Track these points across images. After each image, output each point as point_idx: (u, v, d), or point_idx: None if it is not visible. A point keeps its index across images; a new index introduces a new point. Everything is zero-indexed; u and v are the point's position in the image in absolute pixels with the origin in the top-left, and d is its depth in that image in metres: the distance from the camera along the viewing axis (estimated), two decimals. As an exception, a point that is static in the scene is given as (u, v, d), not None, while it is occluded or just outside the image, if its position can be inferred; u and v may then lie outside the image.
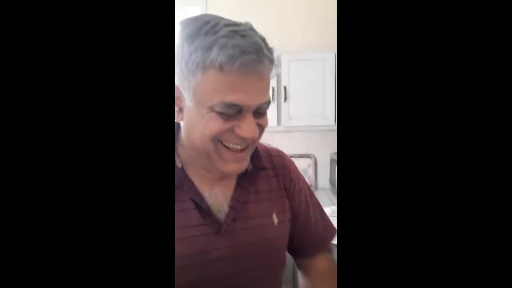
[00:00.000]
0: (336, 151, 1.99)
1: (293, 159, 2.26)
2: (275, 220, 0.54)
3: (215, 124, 0.42)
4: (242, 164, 0.47)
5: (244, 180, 0.53)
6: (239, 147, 0.45)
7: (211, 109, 0.41)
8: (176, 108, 0.46)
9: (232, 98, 0.40)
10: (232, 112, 0.41)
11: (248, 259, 0.50)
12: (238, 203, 0.51)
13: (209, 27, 0.40)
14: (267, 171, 0.56)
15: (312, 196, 0.63)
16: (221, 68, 0.39)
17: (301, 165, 2.09)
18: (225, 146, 0.44)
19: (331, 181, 2.02)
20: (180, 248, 0.44)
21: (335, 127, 1.83)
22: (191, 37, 0.40)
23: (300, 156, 2.09)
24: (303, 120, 1.82)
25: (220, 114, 0.41)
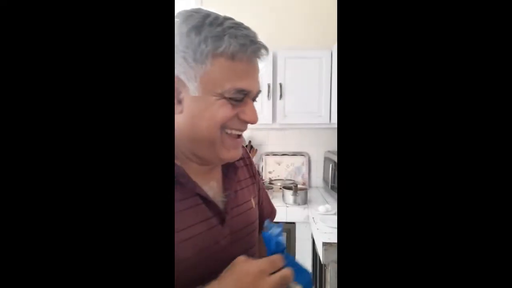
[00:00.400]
0: (330, 150, 2.00)
1: (287, 157, 2.24)
2: (253, 203, 0.60)
3: (226, 110, 0.44)
4: (239, 150, 0.51)
5: (229, 171, 0.57)
6: (239, 133, 0.48)
7: (221, 96, 0.43)
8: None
9: (242, 84, 0.44)
10: (240, 98, 0.44)
11: (241, 243, 0.54)
12: (231, 192, 0.55)
13: (212, 19, 0.43)
14: (240, 162, 0.62)
15: (261, 180, 0.72)
16: (232, 56, 0.42)
17: (295, 163, 2.10)
18: (226, 133, 0.47)
19: (324, 179, 2.03)
20: (195, 244, 0.46)
21: (330, 126, 1.83)
22: (197, 28, 0.42)
23: (294, 154, 2.09)
24: (298, 117, 1.82)
25: (229, 100, 0.44)
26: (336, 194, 1.70)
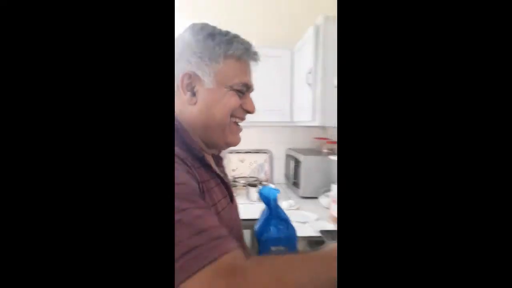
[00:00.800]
0: (291, 147, 2.06)
1: (250, 154, 2.25)
2: None
3: (236, 99, 0.56)
4: (240, 136, 0.62)
5: (217, 161, 0.67)
6: (240, 121, 0.60)
7: (231, 88, 0.56)
8: (187, 94, 0.55)
9: (246, 79, 0.57)
10: (244, 91, 0.58)
11: (239, 220, 0.64)
12: (227, 177, 0.67)
13: (219, 30, 0.57)
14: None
15: None
16: (239, 57, 0.56)
17: (258, 160, 2.12)
18: (231, 120, 0.58)
19: (286, 176, 2.08)
20: (223, 217, 0.53)
21: (291, 124, 1.88)
22: (212, 35, 0.55)
23: (257, 151, 2.12)
24: (261, 115, 1.84)
25: (237, 91, 0.56)
26: (298, 189, 1.76)
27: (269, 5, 2.03)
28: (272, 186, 0.73)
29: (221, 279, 0.33)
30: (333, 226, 1.28)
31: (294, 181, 1.85)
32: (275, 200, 0.70)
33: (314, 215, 1.41)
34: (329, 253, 0.43)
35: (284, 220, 0.73)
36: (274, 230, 0.70)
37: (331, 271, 0.38)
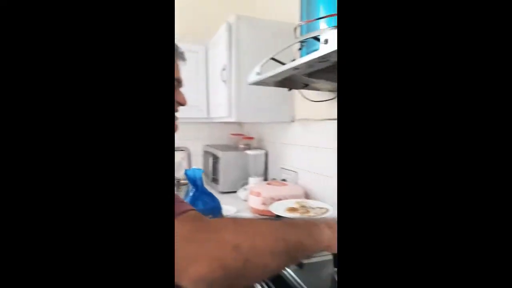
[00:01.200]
0: (208, 144, 2.07)
1: (167, 152, 2.16)
2: None
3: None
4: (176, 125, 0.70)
5: None
6: (176, 113, 0.68)
7: None
8: None
9: (177, 75, 0.66)
10: (175, 85, 0.65)
11: None
12: None
13: None
14: None
15: None
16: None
17: (175, 158, 2.07)
18: None
19: (204, 173, 2.08)
20: None
21: (208, 120, 1.89)
22: None
23: (175, 149, 2.06)
24: (179, 112, 1.80)
25: None
26: (217, 185, 1.78)
27: (181, 1, 1.98)
28: (195, 167, 0.88)
29: (189, 223, 0.42)
30: (252, 216, 1.35)
31: (213, 177, 1.86)
32: (201, 178, 0.85)
33: (234, 208, 1.45)
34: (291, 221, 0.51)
35: (208, 195, 0.90)
36: (201, 204, 0.85)
37: (293, 234, 0.47)
